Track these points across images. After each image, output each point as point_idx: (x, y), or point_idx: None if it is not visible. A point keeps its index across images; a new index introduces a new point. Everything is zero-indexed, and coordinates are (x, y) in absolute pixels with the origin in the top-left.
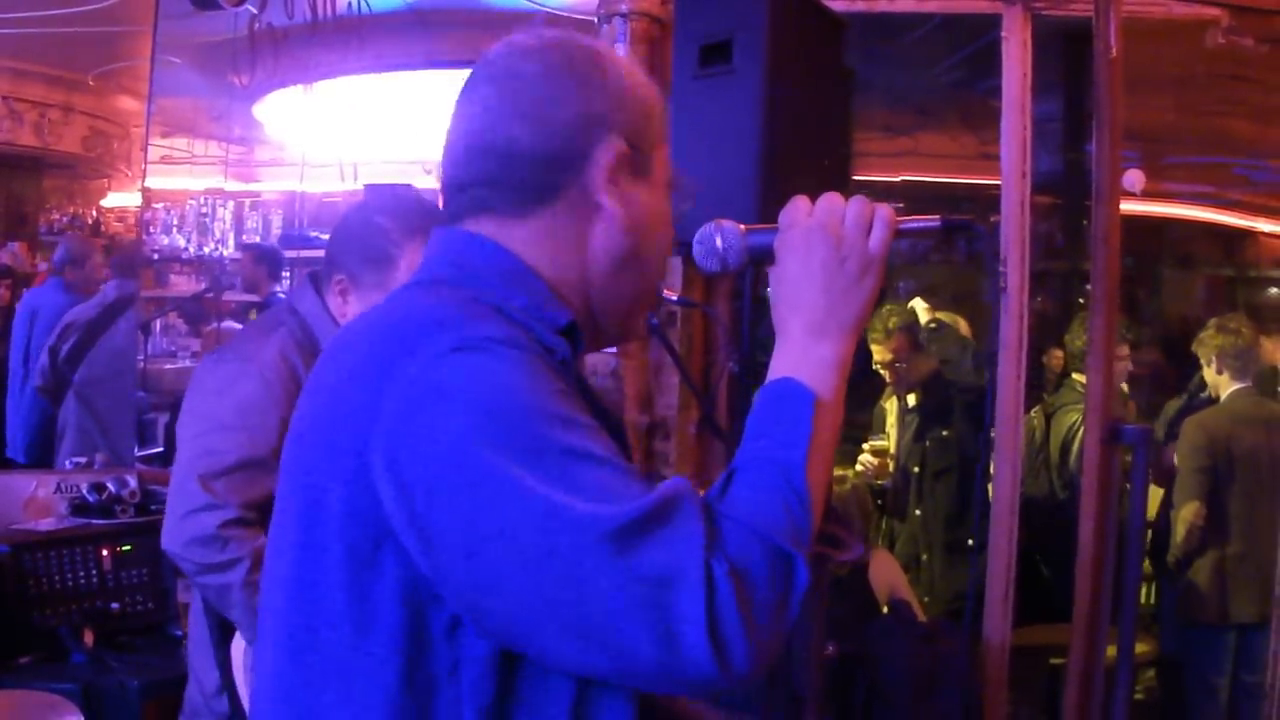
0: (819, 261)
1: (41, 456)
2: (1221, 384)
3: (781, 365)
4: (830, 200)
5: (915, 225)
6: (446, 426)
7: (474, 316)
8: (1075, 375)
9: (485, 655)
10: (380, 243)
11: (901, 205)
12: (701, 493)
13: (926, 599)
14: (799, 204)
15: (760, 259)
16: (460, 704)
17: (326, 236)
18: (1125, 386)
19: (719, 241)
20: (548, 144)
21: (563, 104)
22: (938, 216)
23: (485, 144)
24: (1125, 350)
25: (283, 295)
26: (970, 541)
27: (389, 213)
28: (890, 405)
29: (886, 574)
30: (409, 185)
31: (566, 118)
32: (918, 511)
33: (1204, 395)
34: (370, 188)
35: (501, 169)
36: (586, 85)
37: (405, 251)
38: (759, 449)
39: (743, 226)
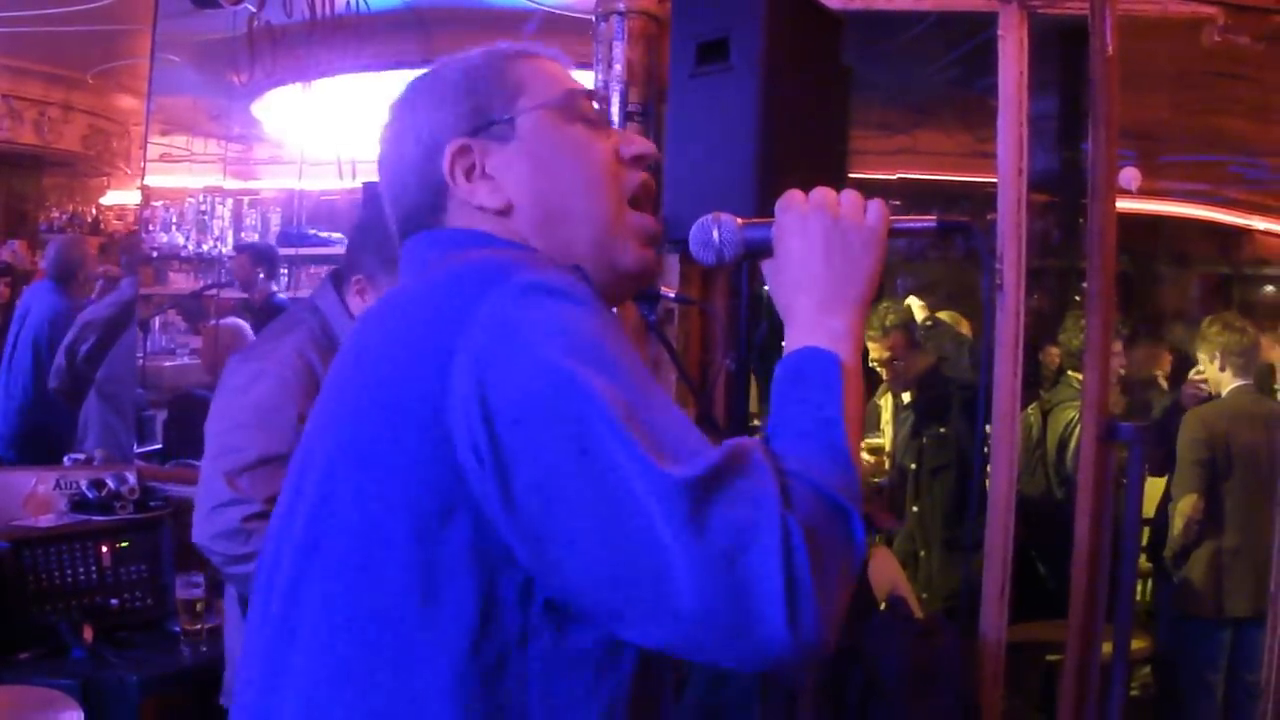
0: (820, 237)
1: (34, 456)
2: (1223, 380)
3: (796, 339)
4: (823, 189)
5: (911, 225)
6: (537, 360)
7: (537, 263)
8: (1071, 372)
9: (556, 623)
10: (396, 244)
11: (898, 203)
12: None
13: (924, 595)
14: (793, 194)
15: (756, 252)
16: (528, 672)
17: (325, 234)
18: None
19: (715, 235)
20: (408, 180)
21: (407, 139)
22: (934, 217)
23: (387, 185)
24: (1118, 347)
25: (280, 294)
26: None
27: None
28: (885, 402)
29: (886, 571)
30: None
31: (407, 154)
32: (915, 508)
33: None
34: (371, 185)
35: (410, 195)
36: (419, 113)
37: None
38: (794, 412)
39: (740, 220)
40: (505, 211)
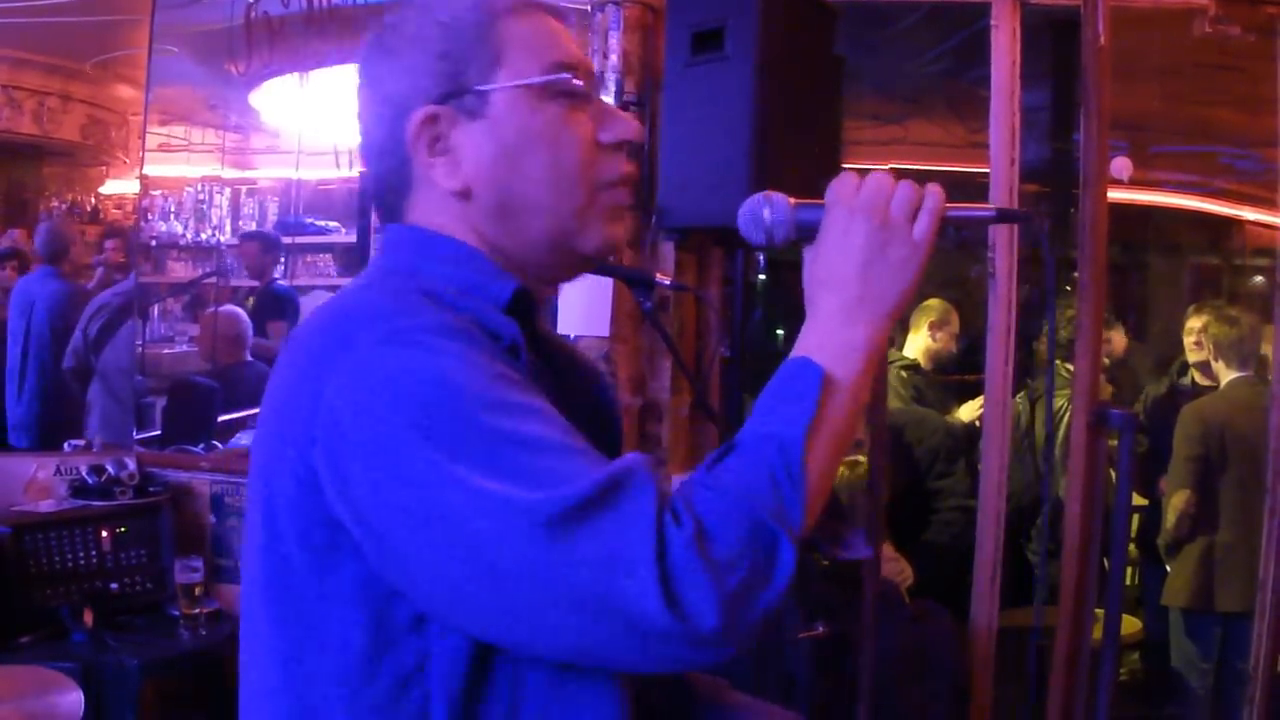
0: (860, 243)
1: (49, 442)
2: (1220, 372)
3: (804, 343)
4: (878, 179)
5: (967, 214)
6: (378, 420)
7: (408, 307)
8: (1059, 362)
9: (454, 646)
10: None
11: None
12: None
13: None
14: (847, 180)
15: (807, 234)
16: (429, 695)
17: (322, 223)
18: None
19: (767, 214)
20: (375, 139)
21: (372, 100)
22: (992, 207)
23: (361, 140)
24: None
25: (282, 281)
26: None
27: None
28: None
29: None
30: None
31: (376, 112)
32: None
33: (1184, 381)
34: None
35: (375, 168)
36: (392, 64)
37: None
38: (759, 424)
39: (792, 200)
40: (463, 195)
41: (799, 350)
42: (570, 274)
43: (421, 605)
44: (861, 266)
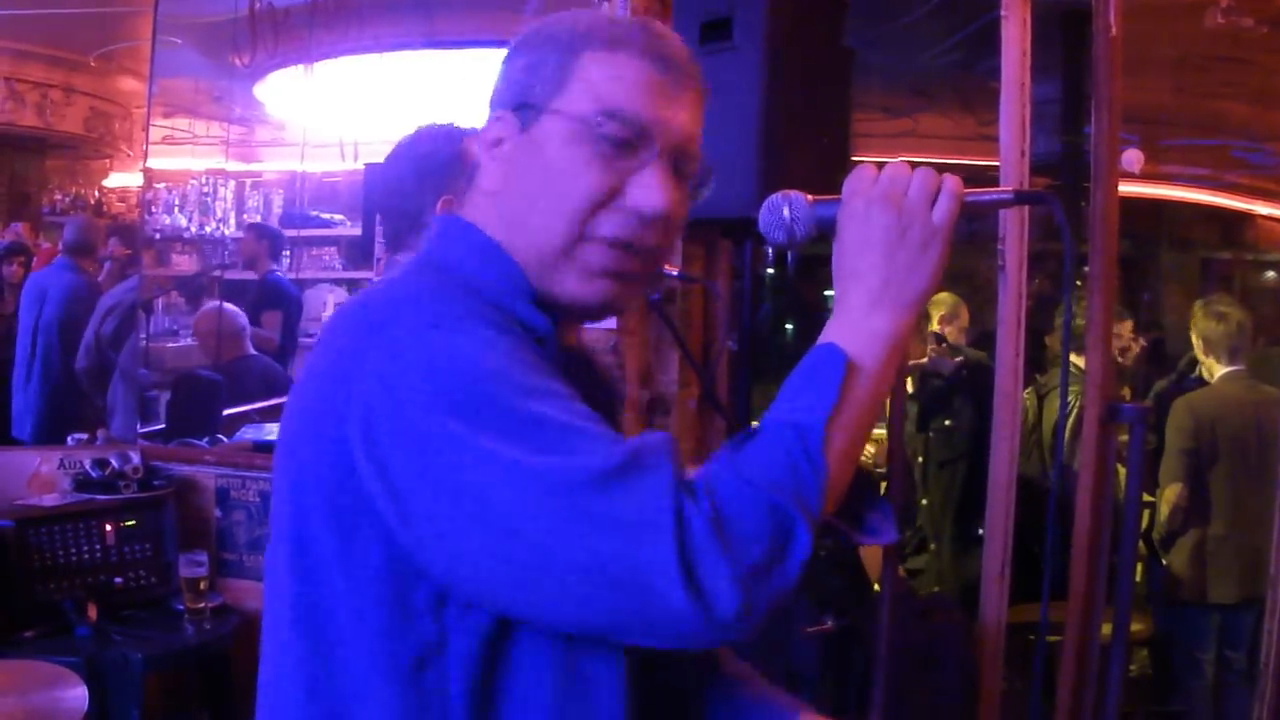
0: (880, 230)
1: (58, 438)
2: (1212, 366)
3: (830, 332)
4: (895, 169)
5: (985, 198)
6: (413, 400)
7: (443, 296)
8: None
9: (473, 628)
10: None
11: None
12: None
13: (936, 588)
14: (864, 172)
15: (828, 230)
16: (448, 675)
17: (327, 216)
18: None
19: (786, 212)
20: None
21: (500, 82)
22: (1010, 189)
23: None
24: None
25: (280, 273)
26: (981, 531)
27: None
28: None
29: (880, 552)
30: None
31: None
32: (924, 501)
33: (1193, 375)
34: (372, 167)
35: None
36: (504, 65)
37: None
38: (782, 411)
39: (810, 197)
40: (491, 195)
41: (824, 338)
42: (558, 310)
43: (448, 579)
44: (883, 254)
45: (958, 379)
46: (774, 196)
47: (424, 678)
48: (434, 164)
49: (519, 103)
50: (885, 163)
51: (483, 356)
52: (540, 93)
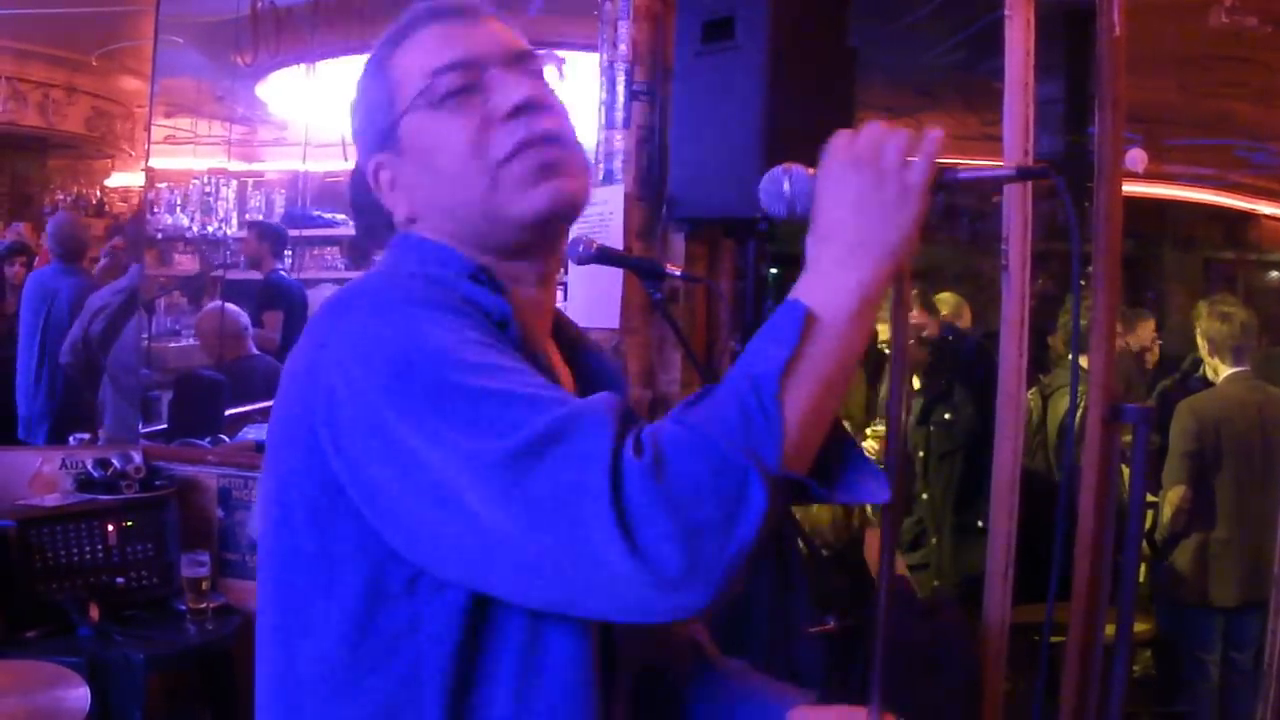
0: (852, 190)
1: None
2: (1217, 367)
3: (795, 289)
4: (872, 130)
5: (984, 174)
6: (361, 383)
7: (400, 285)
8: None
9: (444, 608)
10: None
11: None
12: None
13: (936, 582)
14: (841, 136)
15: None
16: (420, 655)
17: (330, 215)
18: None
19: (787, 185)
20: (362, 193)
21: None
22: (1012, 165)
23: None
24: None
25: (284, 273)
26: (980, 524)
27: None
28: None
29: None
30: None
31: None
32: (924, 495)
33: (1197, 375)
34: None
35: (368, 219)
36: (354, 126)
37: None
38: (737, 366)
39: (811, 170)
40: (412, 220)
41: (790, 295)
42: (540, 245)
43: (410, 557)
44: (854, 212)
45: (973, 347)
46: (775, 169)
47: (397, 657)
48: None
49: (377, 141)
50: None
51: (425, 335)
52: (383, 116)
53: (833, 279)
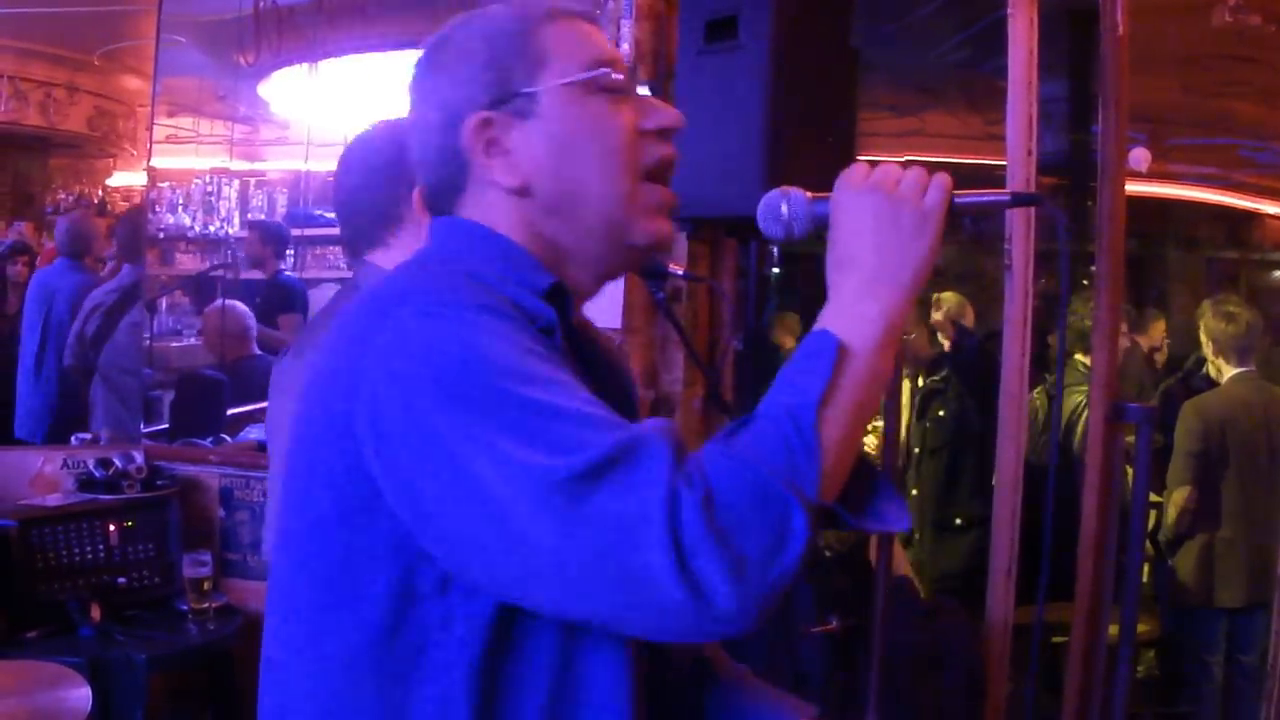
0: (871, 218)
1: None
2: (1222, 367)
3: (822, 319)
4: (886, 167)
5: (980, 199)
6: (412, 386)
7: (446, 286)
8: (1077, 355)
9: (476, 612)
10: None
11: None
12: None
13: (914, 577)
14: (855, 168)
15: (825, 226)
16: (450, 658)
17: (332, 215)
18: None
19: (784, 209)
20: (431, 148)
21: (427, 112)
22: (1007, 191)
23: (414, 148)
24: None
25: (288, 273)
26: (959, 521)
27: None
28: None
29: None
30: None
31: (430, 123)
32: (914, 491)
33: (1200, 375)
34: (347, 154)
35: (431, 175)
36: (441, 77)
37: None
38: (774, 395)
39: (809, 194)
40: (521, 192)
41: (817, 325)
42: (620, 268)
43: (447, 564)
44: (874, 241)
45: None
46: (773, 193)
47: (426, 659)
48: (402, 158)
49: (497, 99)
50: (878, 162)
51: (483, 344)
52: (520, 79)
53: (856, 308)
